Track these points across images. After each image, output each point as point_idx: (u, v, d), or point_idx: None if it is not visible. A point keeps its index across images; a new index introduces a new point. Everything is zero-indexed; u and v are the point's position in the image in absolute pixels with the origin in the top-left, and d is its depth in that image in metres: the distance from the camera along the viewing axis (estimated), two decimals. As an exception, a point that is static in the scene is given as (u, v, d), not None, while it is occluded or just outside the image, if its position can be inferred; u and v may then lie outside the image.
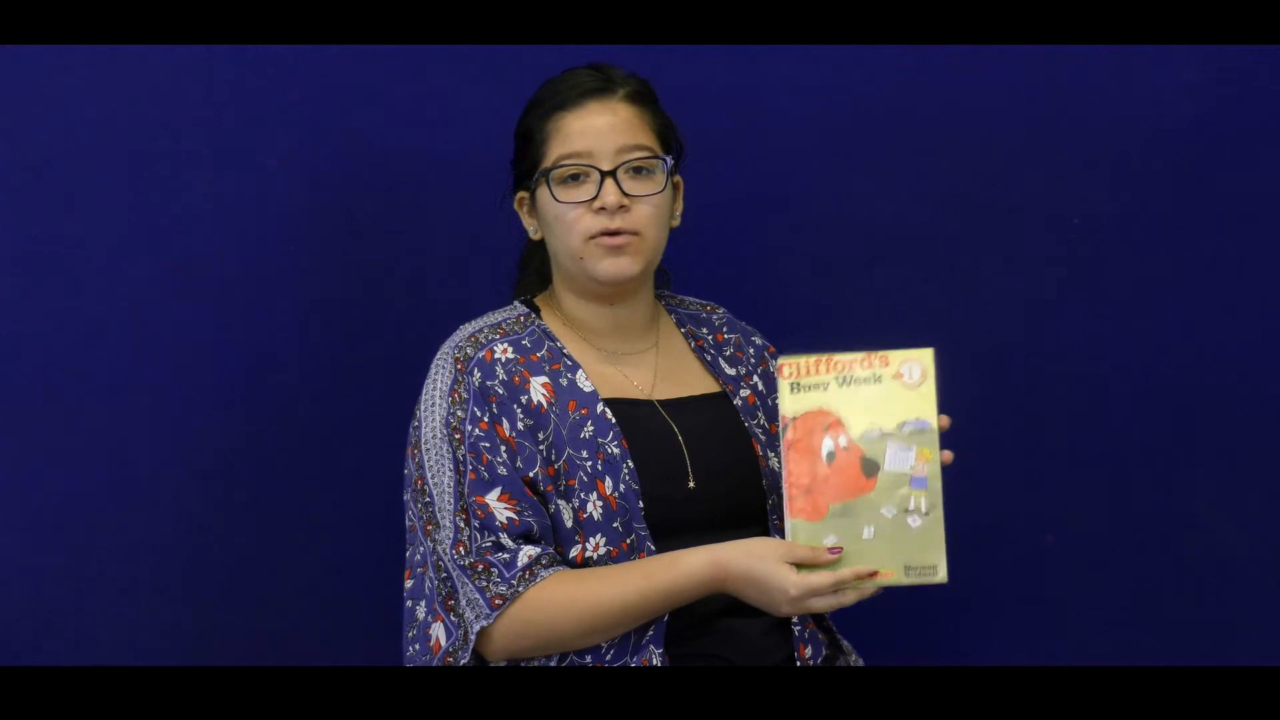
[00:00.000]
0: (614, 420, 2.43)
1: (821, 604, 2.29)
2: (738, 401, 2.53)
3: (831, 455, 2.28)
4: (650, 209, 2.44)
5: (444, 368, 2.44)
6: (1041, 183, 2.96)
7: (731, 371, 2.57)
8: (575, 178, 2.43)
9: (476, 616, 2.35)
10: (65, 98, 2.69)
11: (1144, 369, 3.01)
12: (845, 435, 2.28)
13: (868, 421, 2.27)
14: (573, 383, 2.45)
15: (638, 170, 2.44)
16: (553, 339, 2.49)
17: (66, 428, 2.73)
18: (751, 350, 2.62)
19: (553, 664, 2.38)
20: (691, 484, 2.43)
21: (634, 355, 2.52)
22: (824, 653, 2.49)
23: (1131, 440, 3.01)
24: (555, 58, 2.54)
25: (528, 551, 2.35)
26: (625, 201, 2.42)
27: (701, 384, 2.54)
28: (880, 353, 2.28)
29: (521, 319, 2.50)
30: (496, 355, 2.44)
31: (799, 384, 2.30)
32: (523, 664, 2.39)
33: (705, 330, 2.61)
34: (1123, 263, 2.98)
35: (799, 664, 2.44)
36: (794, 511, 2.29)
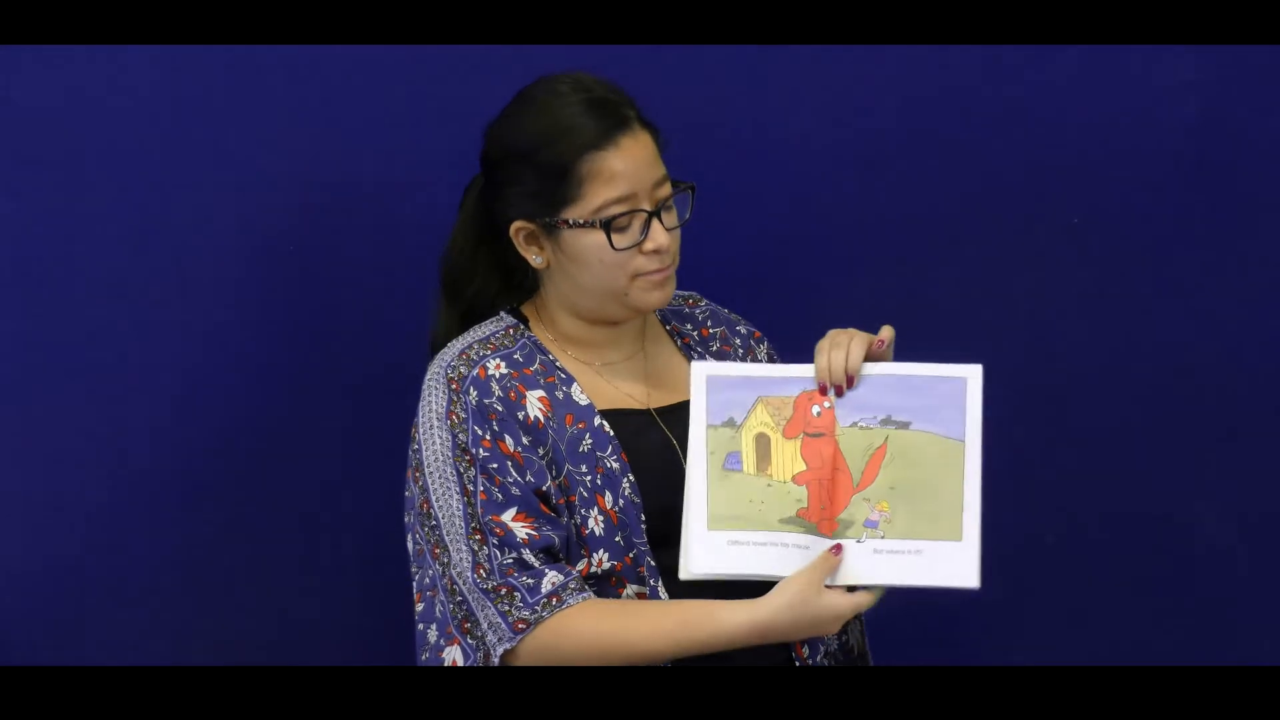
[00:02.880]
0: (612, 433, 2.41)
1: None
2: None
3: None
4: (678, 236, 2.44)
5: (437, 389, 2.41)
6: (1042, 183, 2.95)
7: (720, 368, 2.57)
8: (625, 223, 2.40)
9: (499, 639, 2.34)
10: (45, 99, 2.67)
11: (1145, 367, 3.01)
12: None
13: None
14: (568, 396, 2.43)
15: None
16: (544, 351, 2.46)
17: (61, 431, 2.72)
18: (738, 340, 2.60)
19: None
20: None
21: (624, 363, 2.50)
22: (823, 649, 2.48)
23: (1132, 439, 3.02)
24: (552, 59, 2.51)
25: (552, 578, 2.34)
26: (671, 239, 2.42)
27: (692, 385, 2.53)
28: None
29: (510, 331, 2.47)
30: (490, 371, 2.41)
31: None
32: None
33: (690, 326, 2.59)
34: (1122, 262, 2.98)
35: (798, 664, 2.44)
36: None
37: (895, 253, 2.96)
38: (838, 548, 2.32)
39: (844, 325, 2.43)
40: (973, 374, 2.38)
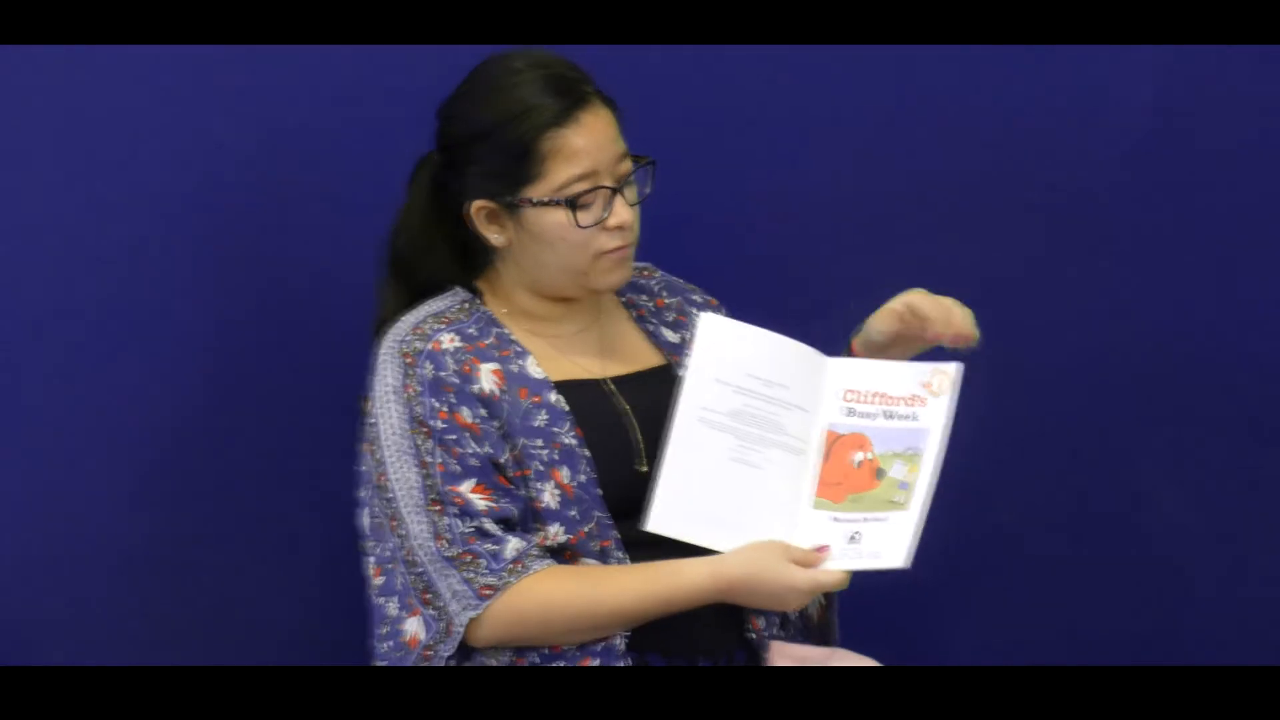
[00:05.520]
0: (567, 409, 2.40)
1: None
2: (681, 372, 2.49)
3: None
4: (638, 212, 2.43)
5: (391, 363, 2.39)
6: (1005, 170, 2.99)
7: (674, 339, 2.55)
8: (589, 200, 2.39)
9: (463, 608, 2.33)
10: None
11: (1104, 356, 3.04)
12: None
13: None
14: (523, 369, 2.42)
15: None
16: (498, 325, 2.45)
17: (12, 422, 2.70)
18: (693, 310, 2.59)
19: (527, 663, 2.37)
20: (644, 468, 2.42)
21: (578, 336, 2.49)
22: (778, 620, 2.48)
23: (1093, 426, 3.05)
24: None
25: (515, 545, 2.34)
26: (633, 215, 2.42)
27: (646, 357, 2.53)
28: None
29: (464, 305, 2.46)
30: (444, 345, 2.40)
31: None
32: (495, 664, 2.37)
33: (645, 297, 2.59)
34: (1085, 251, 3.01)
35: (753, 636, 2.44)
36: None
37: (860, 235, 2.98)
38: (825, 548, 2.36)
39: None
40: (952, 371, 2.42)
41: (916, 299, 2.44)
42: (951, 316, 2.43)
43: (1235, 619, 3.08)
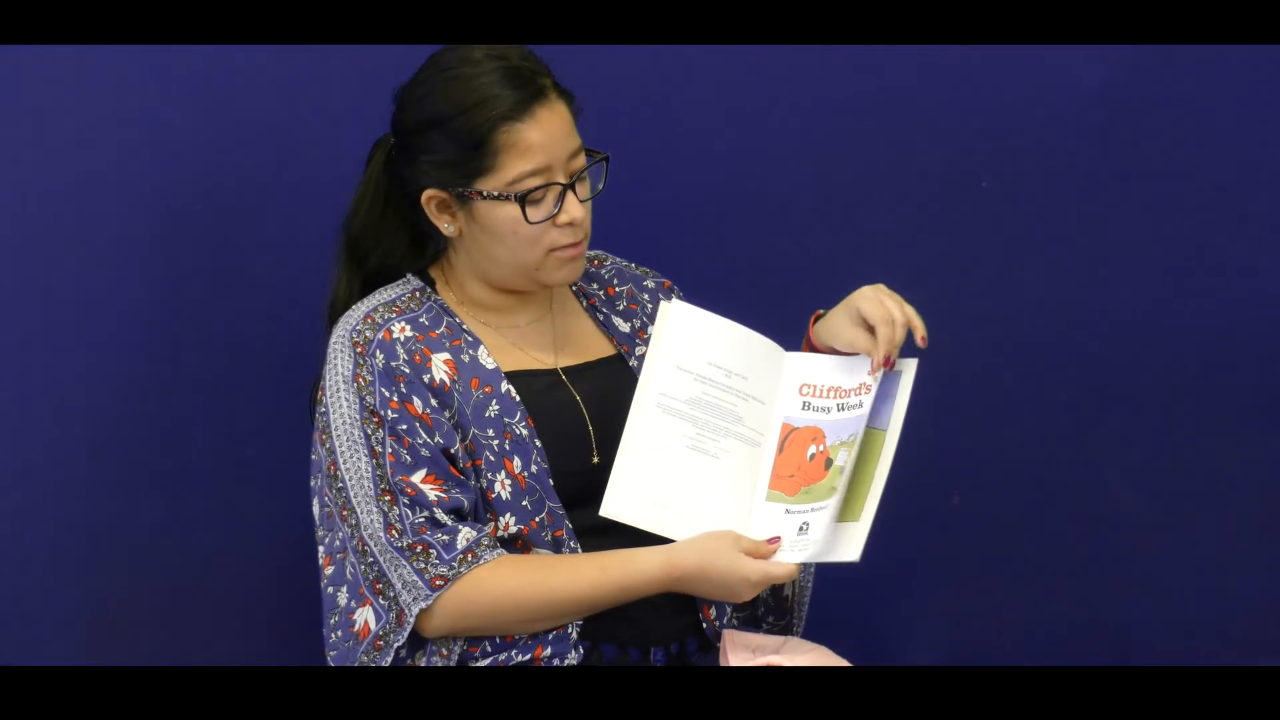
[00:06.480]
0: (519, 399, 2.40)
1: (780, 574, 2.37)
2: (633, 362, 2.51)
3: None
4: (590, 208, 2.42)
5: (343, 352, 2.39)
6: (956, 153, 3.01)
7: (625, 328, 2.55)
8: (540, 196, 2.38)
9: (414, 598, 2.32)
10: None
11: (1049, 328, 3.06)
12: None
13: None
14: (475, 359, 2.42)
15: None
16: (451, 314, 2.45)
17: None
18: (645, 295, 2.59)
19: (479, 652, 2.37)
20: (596, 459, 2.42)
21: (532, 326, 2.49)
22: (730, 610, 2.48)
23: (1038, 402, 3.07)
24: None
25: (466, 534, 2.33)
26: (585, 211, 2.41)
27: (598, 347, 2.53)
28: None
29: (417, 294, 2.46)
30: (395, 335, 2.39)
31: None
32: (446, 653, 2.37)
33: (596, 286, 2.58)
34: (1030, 230, 3.04)
35: (705, 626, 2.45)
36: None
37: (819, 228, 3.00)
38: (776, 540, 2.38)
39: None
40: (907, 368, 2.42)
41: (872, 314, 2.40)
42: (882, 346, 2.40)
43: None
